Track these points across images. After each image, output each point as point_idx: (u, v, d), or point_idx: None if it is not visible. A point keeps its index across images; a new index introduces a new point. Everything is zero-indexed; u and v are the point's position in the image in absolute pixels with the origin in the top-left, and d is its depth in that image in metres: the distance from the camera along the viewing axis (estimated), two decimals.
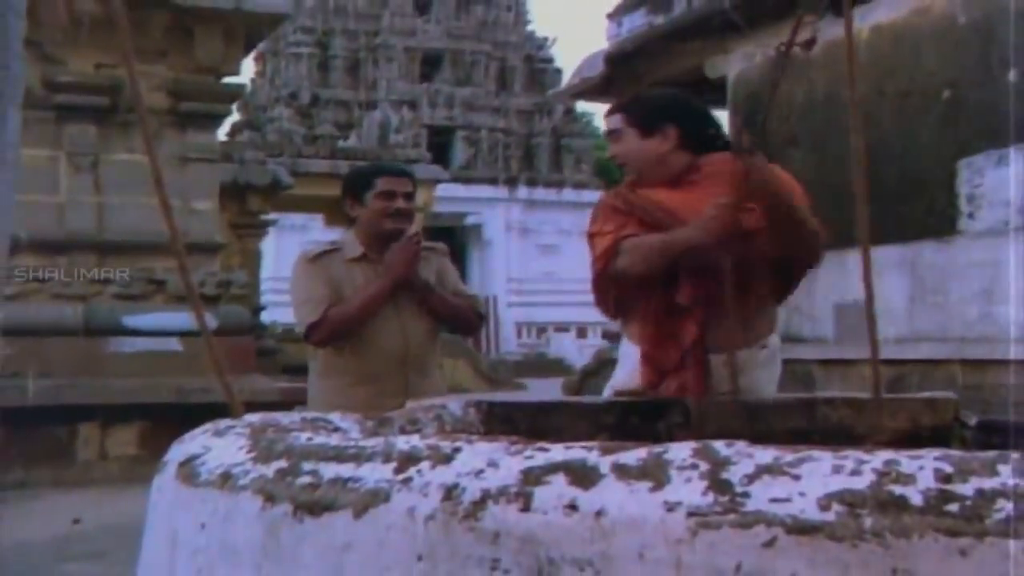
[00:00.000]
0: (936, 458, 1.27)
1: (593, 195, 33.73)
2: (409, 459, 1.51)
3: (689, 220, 3.14)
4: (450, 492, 1.42)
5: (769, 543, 1.22)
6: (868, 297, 2.22)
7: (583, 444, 1.45)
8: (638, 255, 3.19)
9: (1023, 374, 5.56)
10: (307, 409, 3.56)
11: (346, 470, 1.55)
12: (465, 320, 4.24)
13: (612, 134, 3.42)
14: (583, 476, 1.36)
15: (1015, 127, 5.91)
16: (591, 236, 3.35)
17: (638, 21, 9.14)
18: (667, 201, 3.27)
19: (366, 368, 3.92)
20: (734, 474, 1.31)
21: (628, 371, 3.33)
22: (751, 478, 1.29)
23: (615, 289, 3.33)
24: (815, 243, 3.24)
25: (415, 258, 3.96)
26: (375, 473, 1.51)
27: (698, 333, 3.18)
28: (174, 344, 8.98)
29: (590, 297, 3.38)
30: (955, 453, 1.29)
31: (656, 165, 3.33)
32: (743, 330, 3.14)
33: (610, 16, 9.61)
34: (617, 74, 9.39)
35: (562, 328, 34.11)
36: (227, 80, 10.19)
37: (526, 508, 1.35)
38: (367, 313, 3.91)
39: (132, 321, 9.15)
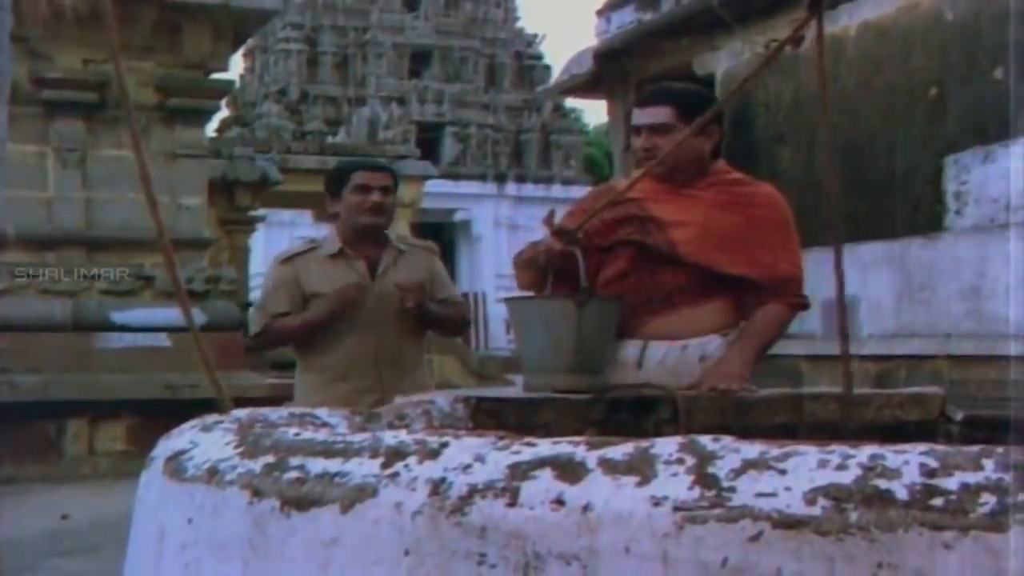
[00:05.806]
0: (921, 453, 1.28)
1: (582, 191, 33.77)
2: (396, 454, 1.52)
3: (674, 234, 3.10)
4: (437, 487, 1.42)
5: (755, 537, 1.23)
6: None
7: (570, 439, 1.46)
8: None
9: (1010, 370, 5.58)
10: (294, 404, 3.57)
11: (333, 465, 1.55)
12: (452, 328, 4.55)
13: (658, 128, 3.09)
14: (570, 471, 1.37)
15: (1014, 123, 5.92)
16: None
17: (627, 18, 9.14)
18: (660, 212, 3.13)
19: (340, 365, 3.94)
20: (720, 469, 1.31)
21: None
22: (737, 472, 1.30)
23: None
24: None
25: (360, 304, 3.95)
26: (362, 468, 1.51)
27: None
28: (163, 340, 8.95)
29: None
30: (940, 448, 1.30)
31: (695, 164, 3.16)
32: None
33: (599, 13, 9.61)
34: (606, 71, 9.40)
35: None
36: (215, 76, 10.16)
37: (513, 503, 1.36)
38: (307, 333, 3.97)
39: (121, 317, 9.12)
